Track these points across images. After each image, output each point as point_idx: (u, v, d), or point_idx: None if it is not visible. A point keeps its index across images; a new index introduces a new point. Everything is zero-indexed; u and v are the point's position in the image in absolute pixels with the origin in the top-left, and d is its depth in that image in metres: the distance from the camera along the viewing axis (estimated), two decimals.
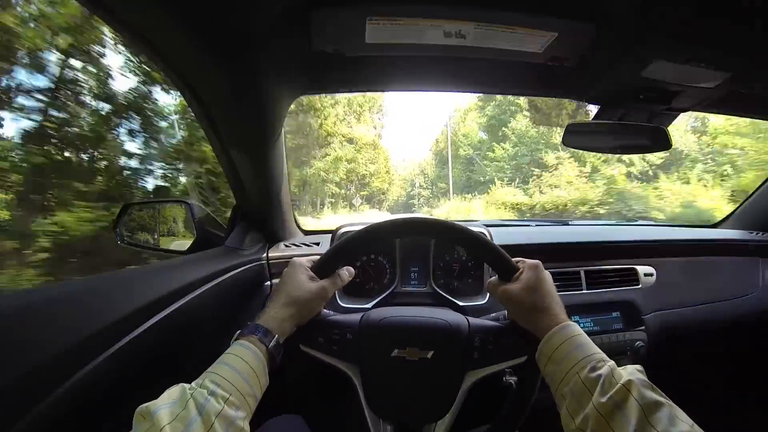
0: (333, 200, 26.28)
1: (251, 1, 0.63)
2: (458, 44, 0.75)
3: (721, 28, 0.71)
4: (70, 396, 0.57)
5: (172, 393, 0.52)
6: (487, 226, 1.25)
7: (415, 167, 40.24)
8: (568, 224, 1.78)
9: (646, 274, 1.34)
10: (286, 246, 1.28)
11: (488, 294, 1.13)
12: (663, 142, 1.05)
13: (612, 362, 0.59)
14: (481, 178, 23.23)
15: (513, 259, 0.77)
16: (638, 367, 0.57)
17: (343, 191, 27.52)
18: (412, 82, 1.00)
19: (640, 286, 1.32)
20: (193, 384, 0.54)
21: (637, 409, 0.50)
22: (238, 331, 0.68)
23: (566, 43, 0.76)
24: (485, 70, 0.92)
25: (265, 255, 1.21)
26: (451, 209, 19.47)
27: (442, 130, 34.34)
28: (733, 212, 1.69)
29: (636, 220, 1.77)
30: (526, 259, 0.77)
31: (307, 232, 1.47)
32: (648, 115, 1.04)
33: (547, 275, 0.74)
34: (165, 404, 0.49)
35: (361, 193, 31.42)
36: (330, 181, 25.16)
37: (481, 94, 19.99)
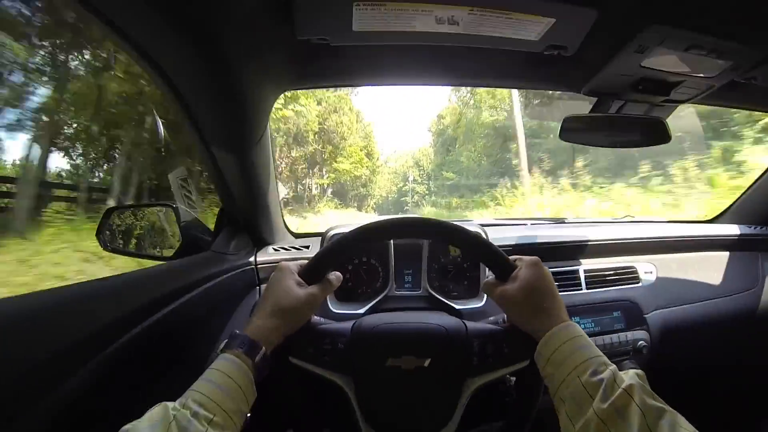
0: None
1: None
2: (451, 32, 0.71)
3: (723, 15, 0.69)
4: (48, 412, 0.53)
5: (154, 415, 0.49)
6: (483, 225, 1.22)
7: (408, 159, 32.73)
8: (564, 223, 1.76)
9: (646, 272, 1.32)
10: (275, 249, 1.24)
11: (485, 296, 1.10)
12: (662, 135, 1.03)
13: (614, 366, 0.57)
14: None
15: (510, 257, 0.74)
16: (639, 372, 0.56)
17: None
18: (402, 74, 0.96)
19: (640, 284, 1.30)
20: (176, 404, 0.52)
21: (639, 416, 0.49)
22: (224, 341, 0.65)
23: (564, 30, 0.73)
24: (479, 61, 0.89)
25: (253, 259, 1.17)
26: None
27: (449, 99, 26.30)
28: (730, 206, 1.68)
29: (634, 217, 1.76)
30: (524, 257, 0.73)
31: (297, 235, 1.43)
32: (646, 107, 1.02)
33: (547, 272, 0.71)
34: (146, 427, 0.47)
35: (319, 181, 23.12)
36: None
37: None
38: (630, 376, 0.54)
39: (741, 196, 1.64)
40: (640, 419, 0.48)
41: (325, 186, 23.84)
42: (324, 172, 23.62)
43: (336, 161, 23.13)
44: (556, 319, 0.65)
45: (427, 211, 22.10)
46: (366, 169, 25.55)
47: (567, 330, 0.63)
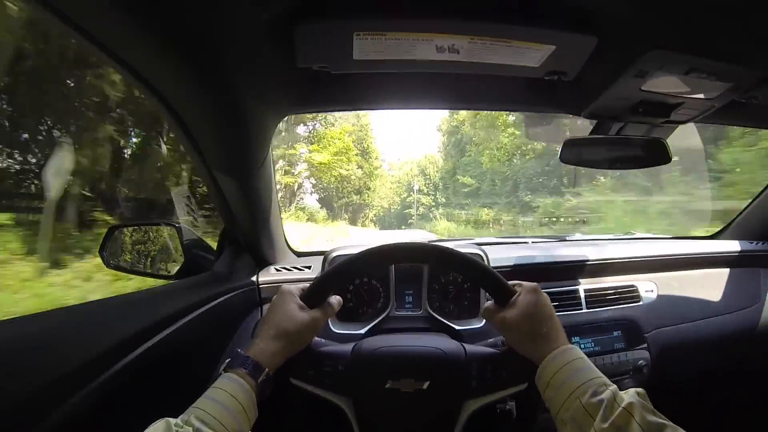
0: None
1: (231, 17, 0.60)
2: (451, 59, 0.72)
3: (722, 38, 0.70)
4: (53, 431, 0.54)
5: (156, 429, 0.50)
6: (481, 245, 1.22)
7: (413, 167, 28.91)
8: (565, 240, 1.76)
9: (646, 290, 1.32)
10: (277, 270, 1.24)
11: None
12: (662, 155, 1.04)
13: (614, 386, 0.58)
14: None
15: (510, 282, 0.74)
16: (639, 390, 0.57)
17: None
18: (403, 99, 0.96)
19: (641, 302, 1.30)
20: (178, 420, 0.53)
21: None
22: (227, 361, 0.66)
23: (564, 57, 0.73)
24: (479, 85, 0.90)
25: (255, 279, 1.17)
26: None
27: None
28: (731, 222, 1.68)
29: (634, 234, 1.76)
30: (524, 282, 0.74)
31: (299, 254, 1.43)
32: (646, 128, 1.02)
33: (545, 299, 0.72)
34: None
35: (286, 179, 15.30)
36: None
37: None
38: (630, 394, 0.55)
39: (742, 212, 1.63)
40: None
41: (295, 187, 16.20)
42: (296, 168, 15.63)
43: (310, 150, 15.82)
44: (554, 343, 0.66)
45: (443, 227, 17.66)
46: (357, 167, 18.78)
47: (565, 354, 0.64)
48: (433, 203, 23.60)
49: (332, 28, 0.64)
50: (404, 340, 0.81)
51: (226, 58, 0.68)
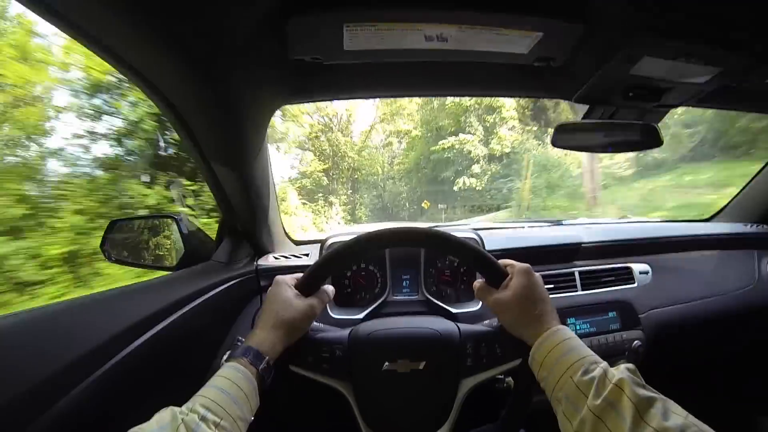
0: None
1: (225, 11, 0.61)
2: (441, 48, 0.72)
3: (709, 23, 0.70)
4: (56, 422, 0.56)
5: (163, 418, 0.51)
6: (477, 230, 1.23)
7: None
8: (561, 224, 1.77)
9: (641, 272, 1.33)
10: (275, 258, 1.25)
11: None
12: (653, 139, 1.05)
13: (605, 363, 0.60)
14: None
15: (502, 263, 0.76)
16: (630, 365, 0.58)
17: None
18: (395, 87, 0.97)
19: (635, 284, 1.31)
20: (183, 408, 0.54)
21: (631, 408, 0.50)
22: (228, 352, 0.67)
23: (552, 43, 0.74)
24: (470, 72, 0.90)
25: (254, 268, 1.19)
26: None
27: None
28: (726, 205, 1.69)
29: (629, 217, 1.78)
30: (516, 263, 0.75)
31: (297, 242, 1.45)
32: (638, 112, 1.03)
33: (538, 279, 0.73)
34: (155, 429, 0.49)
35: None
36: None
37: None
38: (621, 370, 0.56)
39: (737, 194, 1.64)
40: (633, 410, 0.50)
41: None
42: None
43: None
44: (546, 324, 0.67)
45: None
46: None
47: (557, 334, 0.65)
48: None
49: (323, 20, 0.64)
50: (399, 323, 0.83)
51: (220, 50, 0.69)
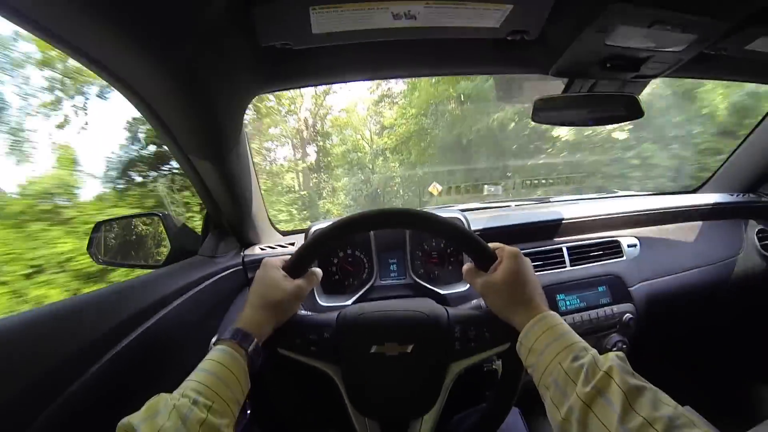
0: None
1: (188, 2, 0.60)
2: (410, 26, 0.71)
3: None
4: (48, 422, 0.56)
5: (154, 405, 0.51)
6: (464, 210, 1.23)
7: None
8: (549, 201, 1.77)
9: (629, 245, 1.34)
10: (262, 249, 1.25)
11: None
12: (635, 110, 1.04)
13: (594, 350, 0.59)
14: None
15: (491, 246, 0.75)
16: (619, 353, 0.57)
17: None
18: (368, 69, 0.96)
19: (624, 257, 1.32)
20: (174, 393, 0.54)
21: (620, 395, 0.49)
22: (216, 336, 0.67)
23: (524, 15, 0.73)
24: (444, 50, 0.89)
25: (241, 260, 1.18)
26: None
27: None
28: (712, 176, 1.69)
29: (617, 192, 1.77)
30: (505, 246, 0.74)
31: (284, 233, 1.44)
32: (618, 84, 1.02)
33: (527, 263, 0.72)
34: (147, 417, 0.49)
35: None
36: None
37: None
38: (610, 358, 0.55)
39: (723, 164, 1.65)
40: (622, 398, 0.49)
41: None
42: None
43: None
44: (535, 309, 0.66)
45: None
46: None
47: (545, 320, 0.64)
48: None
49: (288, 5, 0.64)
50: (387, 305, 0.82)
51: (187, 42, 0.67)
